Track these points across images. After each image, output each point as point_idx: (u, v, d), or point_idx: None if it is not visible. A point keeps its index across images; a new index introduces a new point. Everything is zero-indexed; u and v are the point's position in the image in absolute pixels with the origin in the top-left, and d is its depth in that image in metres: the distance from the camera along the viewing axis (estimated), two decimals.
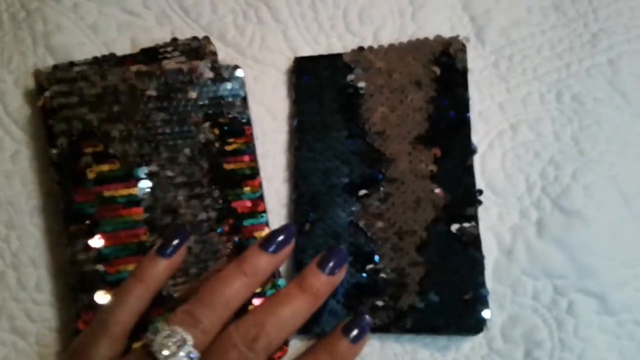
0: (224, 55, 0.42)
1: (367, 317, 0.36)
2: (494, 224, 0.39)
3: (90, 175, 0.37)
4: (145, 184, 0.37)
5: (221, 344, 0.31)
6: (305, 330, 0.36)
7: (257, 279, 0.34)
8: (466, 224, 0.37)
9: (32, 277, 0.38)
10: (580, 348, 0.36)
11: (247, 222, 0.38)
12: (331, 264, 0.34)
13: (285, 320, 0.33)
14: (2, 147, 0.40)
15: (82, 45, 0.42)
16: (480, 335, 0.37)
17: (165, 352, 0.30)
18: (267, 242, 0.35)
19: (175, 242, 0.35)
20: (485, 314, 0.36)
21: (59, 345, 0.37)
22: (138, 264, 0.34)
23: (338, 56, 0.42)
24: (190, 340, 0.31)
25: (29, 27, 0.43)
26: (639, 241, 0.38)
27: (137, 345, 0.34)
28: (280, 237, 0.35)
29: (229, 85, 0.39)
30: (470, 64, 0.41)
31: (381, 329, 0.37)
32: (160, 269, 0.34)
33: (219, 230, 0.38)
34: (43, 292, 0.38)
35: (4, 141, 0.40)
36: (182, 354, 0.30)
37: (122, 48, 0.42)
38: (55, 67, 0.39)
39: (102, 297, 0.35)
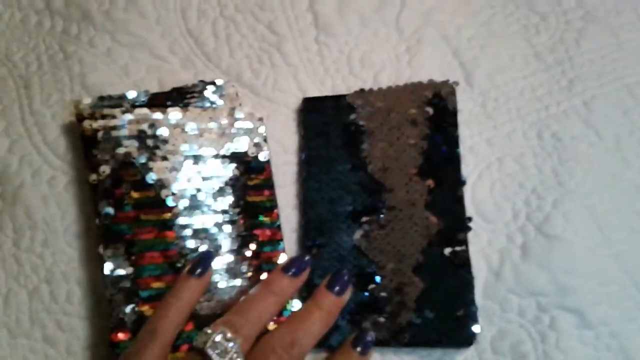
0: (241, 95, 0.47)
1: (370, 331, 0.39)
2: (484, 248, 0.42)
3: (129, 200, 0.40)
4: (176, 211, 0.41)
5: (261, 349, 0.36)
6: (315, 345, 0.39)
7: (283, 297, 0.39)
8: (458, 248, 0.41)
9: (63, 291, 0.42)
10: (561, 359, 0.39)
11: (266, 249, 0.42)
12: (337, 287, 0.39)
13: (311, 331, 0.38)
14: (40, 174, 0.44)
15: (115, 84, 0.47)
16: (472, 348, 0.40)
17: (218, 351, 0.34)
18: (289, 267, 0.40)
19: (203, 263, 0.39)
20: (475, 328, 0.39)
21: (86, 353, 0.41)
22: (174, 283, 0.39)
23: (342, 97, 0.46)
24: (237, 340, 0.35)
25: (66, 68, 0.48)
26: (612, 263, 0.41)
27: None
28: (300, 263, 0.40)
29: (250, 127, 0.44)
30: (460, 105, 0.45)
31: (381, 343, 0.40)
32: (192, 287, 0.38)
33: (245, 253, 0.41)
34: (73, 304, 0.42)
35: (42, 169, 0.45)
36: (233, 351, 0.34)
37: (151, 88, 0.47)
38: (101, 99, 0.43)
39: (135, 312, 0.39)
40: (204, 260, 0.39)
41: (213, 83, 0.45)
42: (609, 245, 0.42)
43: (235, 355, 0.34)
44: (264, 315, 0.38)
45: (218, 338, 0.35)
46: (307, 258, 0.41)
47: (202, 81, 0.46)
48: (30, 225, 0.43)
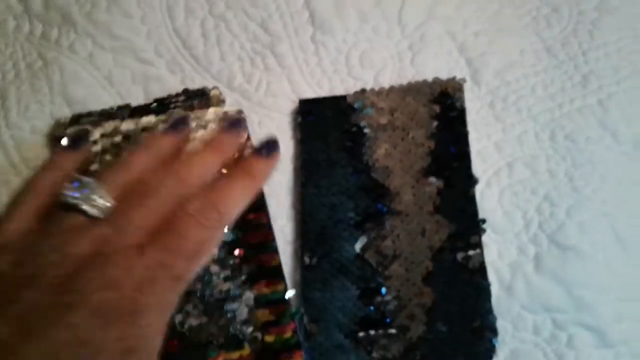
0: (232, 101, 0.44)
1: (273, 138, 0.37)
2: (494, 260, 0.40)
3: None
4: None
5: (176, 216, 0.30)
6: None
7: (158, 153, 0.34)
8: (471, 252, 0.39)
9: None
10: None
11: (258, 253, 0.39)
12: (266, 150, 0.36)
13: (235, 199, 0.33)
14: None
15: (98, 95, 0.44)
16: None
17: (78, 194, 0.30)
18: (170, 126, 0.36)
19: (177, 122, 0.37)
20: (494, 340, 0.37)
21: None
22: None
23: (342, 97, 0.44)
24: (100, 187, 0.30)
25: (45, 77, 0.45)
26: (633, 276, 0.39)
27: None
28: (180, 120, 0.37)
29: None
30: (467, 105, 0.43)
31: None
32: (163, 144, 0.35)
33: (230, 262, 0.38)
34: None
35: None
36: (97, 195, 0.30)
37: (136, 97, 0.44)
38: (74, 118, 0.41)
39: None
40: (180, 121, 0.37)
41: (197, 91, 0.43)
42: (629, 257, 0.39)
43: (99, 199, 0.29)
44: (133, 167, 0.32)
45: (75, 185, 0.30)
46: (185, 116, 0.37)
47: (185, 89, 0.43)
48: None
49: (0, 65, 0.45)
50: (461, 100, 0.42)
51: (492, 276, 0.39)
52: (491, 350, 0.37)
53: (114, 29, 0.46)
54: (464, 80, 0.43)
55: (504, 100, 0.44)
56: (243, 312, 0.37)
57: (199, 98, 0.43)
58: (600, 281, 0.38)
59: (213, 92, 0.43)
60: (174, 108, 0.42)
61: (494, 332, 0.37)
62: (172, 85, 0.45)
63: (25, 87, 0.44)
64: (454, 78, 0.43)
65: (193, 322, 0.37)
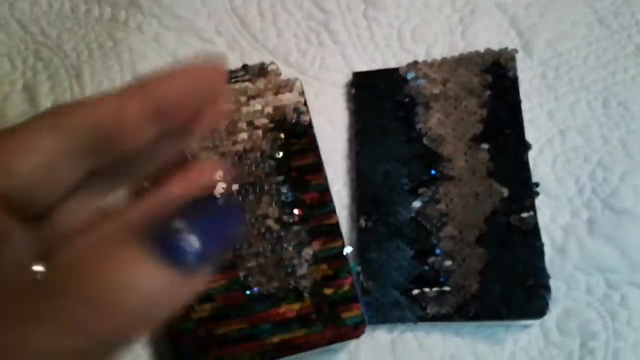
0: (288, 76, 0.46)
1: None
2: (547, 224, 0.41)
3: None
4: (220, 185, 0.41)
5: None
6: (371, 320, 0.38)
7: None
8: (525, 214, 0.39)
9: None
10: (634, 337, 0.37)
11: (316, 212, 0.41)
12: None
13: None
14: None
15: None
16: (537, 328, 0.39)
17: None
18: None
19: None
20: (548, 298, 0.37)
21: None
22: None
23: (394, 70, 0.45)
24: None
25: (116, 56, 0.48)
26: None
27: None
28: None
29: (290, 95, 0.44)
30: (519, 75, 0.43)
31: (445, 317, 0.38)
32: None
33: (290, 220, 0.40)
34: None
35: None
36: None
37: None
38: None
39: None
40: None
41: (256, 66, 0.45)
42: None
43: None
44: None
45: None
46: None
47: (245, 65, 0.45)
48: None
49: (74, 46, 0.49)
50: (513, 69, 0.43)
51: (545, 238, 0.40)
52: (545, 307, 0.37)
53: (178, 10, 0.49)
54: (515, 50, 0.44)
55: (556, 70, 0.45)
56: (303, 267, 0.39)
57: (258, 73, 0.45)
58: None
59: (271, 67, 0.45)
60: (235, 83, 0.44)
61: (547, 289, 0.38)
62: (232, 61, 0.47)
63: (98, 66, 0.48)
64: (505, 49, 0.44)
65: (257, 276, 0.39)
